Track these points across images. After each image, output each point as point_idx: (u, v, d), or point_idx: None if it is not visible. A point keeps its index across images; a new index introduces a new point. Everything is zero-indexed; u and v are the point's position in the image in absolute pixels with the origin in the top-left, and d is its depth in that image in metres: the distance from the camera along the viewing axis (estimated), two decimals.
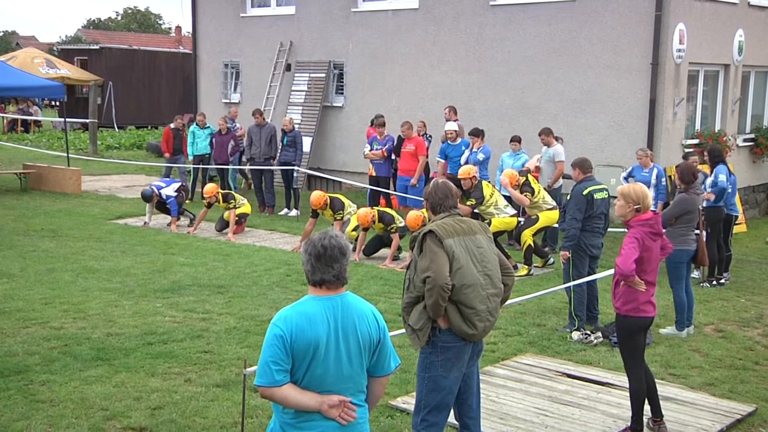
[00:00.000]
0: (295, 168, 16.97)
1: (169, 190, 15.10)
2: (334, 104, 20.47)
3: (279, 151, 17.30)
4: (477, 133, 14.43)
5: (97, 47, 35.04)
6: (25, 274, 11.19)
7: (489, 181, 12.74)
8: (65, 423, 6.55)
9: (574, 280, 9.21)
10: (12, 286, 10.56)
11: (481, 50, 17.66)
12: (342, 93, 20.43)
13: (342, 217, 13.04)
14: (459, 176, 12.29)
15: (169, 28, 74.90)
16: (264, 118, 17.59)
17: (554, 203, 12.47)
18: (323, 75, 20.38)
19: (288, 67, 20.98)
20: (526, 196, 12.10)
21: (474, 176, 12.29)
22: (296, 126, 18.09)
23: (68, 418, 6.63)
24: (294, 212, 16.87)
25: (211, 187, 14.94)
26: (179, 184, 15.58)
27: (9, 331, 8.74)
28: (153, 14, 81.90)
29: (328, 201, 13.18)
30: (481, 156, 14.17)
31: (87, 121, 25.90)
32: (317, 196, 13.12)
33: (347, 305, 4.01)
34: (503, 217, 12.35)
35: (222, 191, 15.06)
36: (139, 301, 10.06)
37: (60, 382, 7.37)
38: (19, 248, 12.77)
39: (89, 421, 6.59)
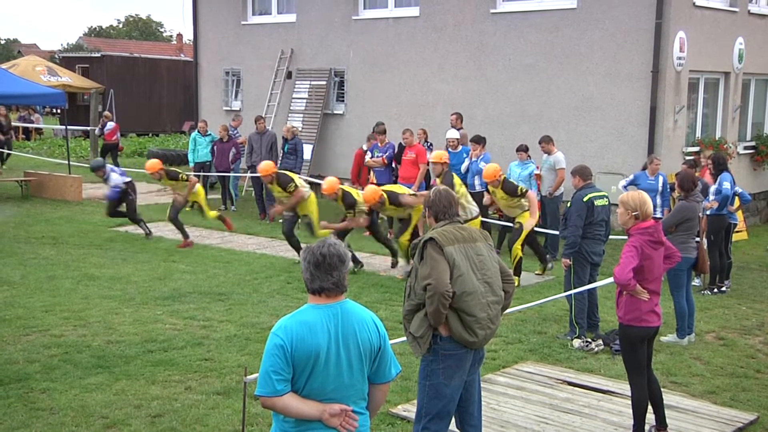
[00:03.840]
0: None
1: (117, 179, 14.71)
2: (335, 112, 20.49)
3: (280, 158, 17.32)
4: (479, 141, 14.43)
5: (99, 55, 35.12)
6: (26, 281, 11.19)
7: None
8: (65, 431, 6.54)
9: (574, 287, 9.19)
10: (12, 293, 10.56)
11: (481, 58, 17.68)
12: (343, 101, 20.45)
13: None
14: (431, 160, 12.22)
15: (171, 36, 75.10)
16: (265, 126, 17.58)
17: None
18: (324, 83, 20.40)
19: (289, 75, 21.00)
20: (518, 199, 11.83)
21: (445, 162, 12.06)
22: (297, 134, 18.10)
23: (68, 426, 6.61)
24: None
25: (153, 163, 14.45)
26: (129, 179, 14.96)
27: (9, 338, 8.73)
28: (154, 22, 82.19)
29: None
30: (482, 164, 14.14)
31: (88, 128, 25.91)
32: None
33: (347, 313, 3.98)
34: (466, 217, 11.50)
35: (167, 168, 14.65)
36: (140, 308, 10.06)
37: (60, 389, 7.36)
38: (19, 255, 12.77)
39: (89, 429, 6.57)
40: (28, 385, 7.43)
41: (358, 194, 12.39)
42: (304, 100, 20.67)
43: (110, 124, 23.79)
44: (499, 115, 17.31)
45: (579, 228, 9.10)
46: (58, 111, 28.66)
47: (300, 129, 19.18)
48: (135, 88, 33.80)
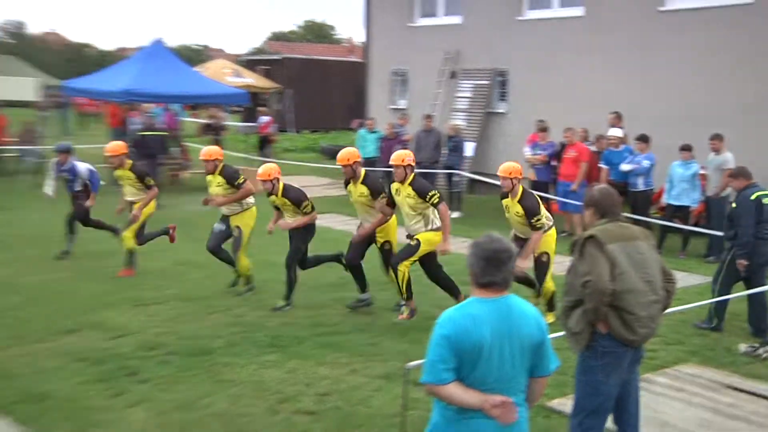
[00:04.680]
0: (456, 172, 17.04)
1: (83, 172, 12.18)
2: (498, 110, 20.38)
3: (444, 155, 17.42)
4: (644, 140, 13.93)
5: (279, 57, 36.19)
6: (211, 264, 11.74)
7: (653, 189, 12.08)
8: (244, 402, 6.86)
9: (723, 284, 8.91)
10: (201, 275, 11.15)
11: (646, 57, 17.10)
12: (505, 99, 20.31)
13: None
14: (391, 162, 9.26)
15: (342, 39, 76.81)
16: (433, 124, 17.73)
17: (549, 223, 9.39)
18: (487, 82, 20.33)
19: (452, 75, 21.05)
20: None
21: (409, 164, 9.14)
22: (460, 132, 18.13)
23: (247, 398, 6.94)
24: (456, 214, 16.92)
25: (115, 146, 11.57)
26: (88, 183, 12.23)
27: (195, 316, 9.26)
28: (328, 26, 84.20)
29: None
30: (646, 162, 13.69)
31: (275, 126, 26.92)
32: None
33: (511, 307, 3.97)
34: (430, 232, 9.15)
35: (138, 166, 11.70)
36: (310, 294, 10.35)
37: (241, 364, 7.73)
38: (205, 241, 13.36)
39: (265, 402, 6.87)
40: (213, 359, 7.85)
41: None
42: (467, 99, 20.66)
43: (263, 118, 24.60)
44: (662, 115, 16.65)
45: (750, 227, 8.67)
46: (242, 109, 29.80)
47: (463, 127, 19.21)
48: (310, 88, 34.61)
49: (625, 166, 13.96)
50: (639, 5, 17.25)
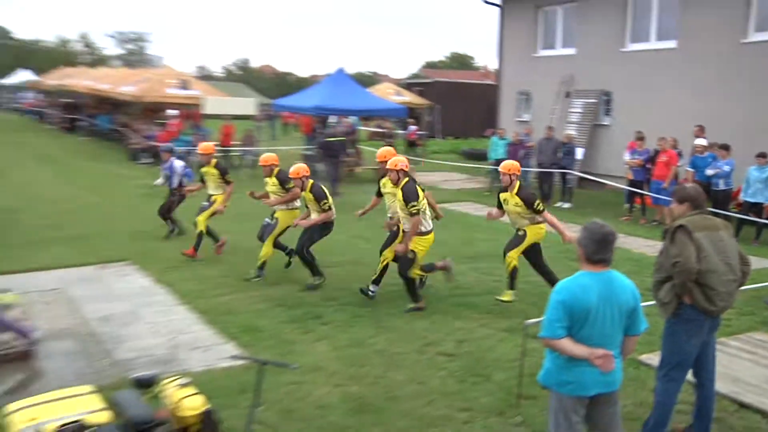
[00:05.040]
0: (569, 171, 16.52)
1: (178, 169, 11.36)
2: (603, 123, 19.58)
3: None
4: (726, 148, 13.07)
5: (431, 80, 36.29)
6: (378, 239, 11.70)
7: (732, 188, 11.28)
8: (398, 343, 6.96)
9: None
10: (368, 247, 11.11)
11: (729, 80, 15.93)
12: (609, 114, 19.48)
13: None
14: (387, 166, 7.97)
15: (480, 66, 75.86)
16: (552, 134, 17.30)
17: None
18: (595, 101, 19.56)
19: (567, 94, 20.38)
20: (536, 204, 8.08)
21: (401, 169, 7.83)
22: (573, 139, 17.55)
23: (401, 341, 7.04)
24: (567, 205, 16.44)
25: (207, 145, 10.50)
26: (183, 181, 11.45)
27: (365, 277, 9.19)
28: (469, 56, 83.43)
29: (275, 169, 9.05)
30: (726, 167, 12.83)
31: (421, 133, 27.05)
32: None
33: (612, 279, 3.89)
34: (425, 233, 7.91)
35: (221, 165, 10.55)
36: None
37: (396, 314, 7.83)
38: (371, 221, 13.50)
39: (414, 344, 6.95)
40: (376, 310, 7.95)
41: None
42: (579, 114, 19.95)
43: (411, 127, 24.59)
44: (740, 128, 15.49)
45: None
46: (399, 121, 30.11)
47: (575, 136, 18.58)
48: (454, 104, 34.60)
49: (709, 171, 13.13)
50: (725, 38, 16.06)
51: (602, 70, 19.37)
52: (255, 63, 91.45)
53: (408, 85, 37.90)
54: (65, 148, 25.53)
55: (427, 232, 7.93)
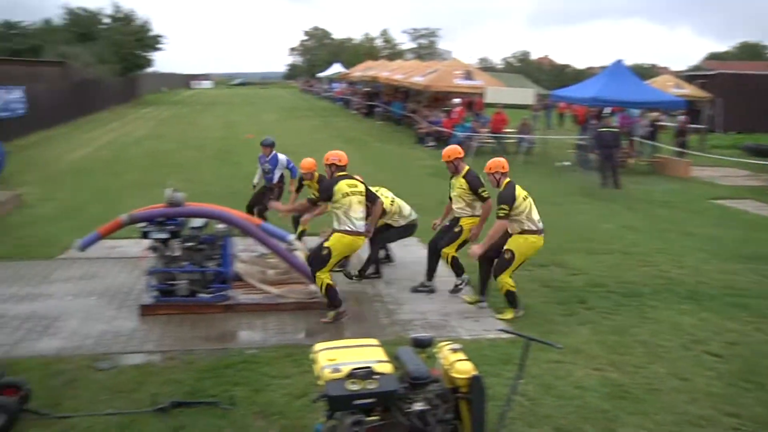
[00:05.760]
0: None
1: (282, 163, 9.93)
2: None
3: None
4: None
5: (714, 73, 32.72)
6: (648, 230, 11.21)
7: None
8: (662, 336, 6.53)
9: None
10: (637, 237, 10.67)
11: None
12: None
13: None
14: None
15: None
16: None
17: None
18: None
19: None
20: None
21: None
22: None
23: (665, 334, 6.60)
24: None
25: (308, 162, 8.49)
26: (282, 175, 10.00)
27: (630, 267, 8.97)
28: (762, 45, 72.67)
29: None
30: None
31: (700, 126, 24.48)
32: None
33: None
34: (343, 231, 6.68)
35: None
36: (725, 262, 9.33)
37: (661, 308, 7.36)
38: (642, 212, 12.78)
39: (679, 340, 6.47)
40: (641, 301, 7.58)
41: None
42: None
43: (680, 118, 21.83)
44: None
45: None
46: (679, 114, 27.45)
47: None
48: (739, 97, 30.78)
49: None
50: None
51: None
52: (534, 55, 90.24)
53: (689, 78, 34.49)
54: (364, 131, 27.97)
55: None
